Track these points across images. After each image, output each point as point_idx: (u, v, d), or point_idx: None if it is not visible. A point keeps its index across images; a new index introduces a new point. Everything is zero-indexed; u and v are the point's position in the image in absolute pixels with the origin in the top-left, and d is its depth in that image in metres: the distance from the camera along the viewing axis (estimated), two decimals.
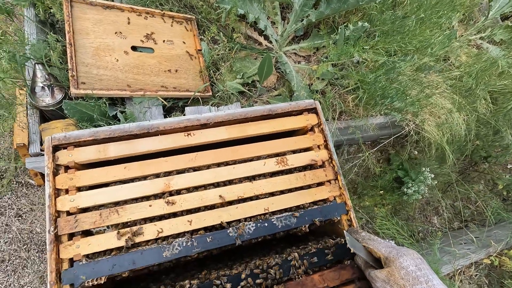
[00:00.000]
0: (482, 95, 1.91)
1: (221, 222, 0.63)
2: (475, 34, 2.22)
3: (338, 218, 0.69)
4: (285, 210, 0.67)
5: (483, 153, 2.30)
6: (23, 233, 1.54)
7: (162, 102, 1.36)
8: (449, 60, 1.99)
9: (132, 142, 0.62)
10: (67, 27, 1.23)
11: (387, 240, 0.62)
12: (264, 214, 0.65)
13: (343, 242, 0.66)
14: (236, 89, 1.53)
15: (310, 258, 0.62)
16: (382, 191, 2.02)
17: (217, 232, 0.61)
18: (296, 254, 0.61)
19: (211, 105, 1.43)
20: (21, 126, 1.15)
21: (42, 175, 1.55)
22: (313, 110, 0.75)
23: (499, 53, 2.07)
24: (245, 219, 0.64)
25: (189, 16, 1.57)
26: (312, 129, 0.75)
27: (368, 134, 1.83)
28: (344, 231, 0.60)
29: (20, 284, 1.47)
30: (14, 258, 1.50)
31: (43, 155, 1.19)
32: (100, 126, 1.20)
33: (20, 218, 1.56)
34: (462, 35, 2.17)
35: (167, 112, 1.43)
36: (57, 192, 0.57)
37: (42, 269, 1.51)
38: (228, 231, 0.61)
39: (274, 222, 0.65)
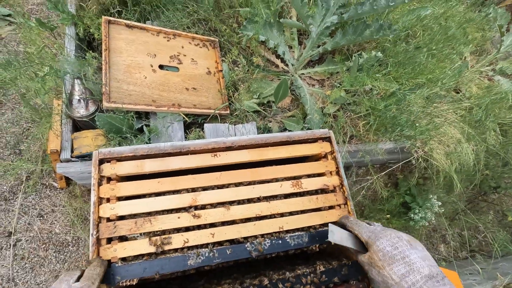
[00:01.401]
0: (491, 127, 1.95)
1: (240, 237, 0.70)
2: (486, 66, 2.28)
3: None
4: (297, 229, 0.73)
5: (493, 184, 2.31)
6: (43, 232, 1.63)
7: (184, 118, 1.45)
8: (460, 91, 2.05)
9: (166, 160, 0.70)
10: (104, 46, 1.35)
11: (373, 224, 0.67)
12: (279, 232, 0.72)
13: (350, 264, 0.72)
14: (252, 108, 1.62)
15: (320, 277, 0.68)
16: (389, 215, 2.05)
17: (236, 245, 0.68)
18: (307, 270, 0.67)
19: (229, 123, 1.52)
20: (56, 133, 1.26)
21: (67, 179, 1.66)
22: (327, 139, 0.82)
23: (511, 86, 2.12)
24: (261, 236, 0.70)
25: (213, 38, 1.69)
26: (325, 156, 0.82)
27: (377, 158, 1.88)
28: (329, 223, 0.66)
29: (36, 282, 1.54)
30: (32, 256, 1.58)
31: (73, 161, 1.29)
32: (126, 137, 1.30)
33: (41, 218, 1.65)
34: (473, 67, 2.23)
35: (187, 127, 1.52)
36: (100, 200, 0.65)
37: (58, 268, 1.59)
38: (246, 246, 0.68)
39: (287, 240, 0.71)
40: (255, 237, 0.70)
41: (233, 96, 1.62)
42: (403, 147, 1.74)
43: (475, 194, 2.47)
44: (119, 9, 1.55)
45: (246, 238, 0.70)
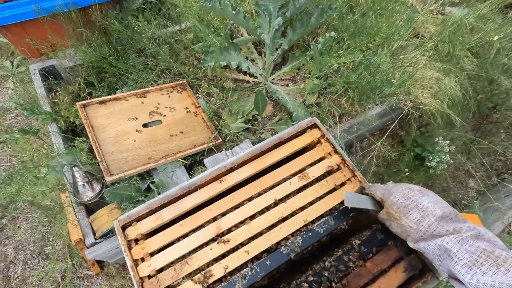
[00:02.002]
0: (462, 54, 2.01)
1: (272, 244, 0.73)
2: (434, 3, 2.37)
3: (369, 210, 0.77)
4: (321, 216, 0.76)
5: (489, 104, 2.34)
6: None
7: (183, 162, 1.50)
8: (419, 35, 2.12)
9: (180, 203, 0.74)
10: (87, 128, 1.42)
11: (387, 183, 0.71)
12: (305, 226, 0.75)
13: (380, 227, 0.74)
14: (241, 128, 1.67)
15: (359, 250, 0.70)
16: (407, 172, 2.06)
17: (273, 254, 0.70)
18: (345, 249, 0.69)
19: (225, 149, 1.57)
20: (74, 224, 1.30)
21: (99, 263, 1.68)
22: (314, 126, 0.87)
23: (463, 12, 2.20)
24: (291, 235, 0.73)
25: (181, 81, 1.77)
26: (319, 142, 0.86)
27: (373, 125, 1.92)
28: (344, 191, 0.69)
29: None
30: None
31: (98, 243, 1.32)
32: (138, 201, 1.34)
33: None
34: (423, 9, 2.32)
35: (189, 169, 1.57)
36: (135, 262, 0.68)
37: None
38: (281, 250, 0.71)
39: (316, 230, 0.74)
40: (286, 239, 0.73)
41: (219, 124, 1.68)
42: (391, 106, 1.79)
43: (478, 120, 2.49)
44: (88, 91, 1.64)
45: (278, 243, 0.73)
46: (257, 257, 0.71)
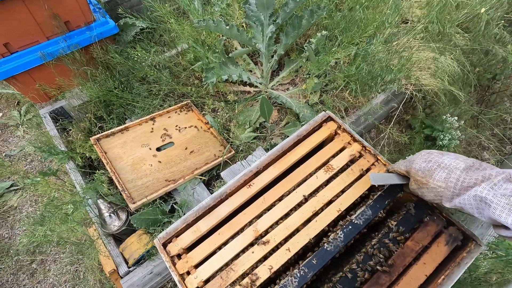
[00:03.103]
0: (453, 31, 2.04)
1: (310, 239, 0.73)
2: None
3: (401, 192, 0.77)
4: (353, 204, 0.77)
5: (488, 75, 2.36)
6: None
7: (201, 178, 1.52)
8: (408, 20, 2.17)
9: (214, 212, 0.76)
10: (104, 160, 1.45)
11: (407, 157, 0.72)
12: (341, 217, 0.76)
13: (414, 204, 0.75)
14: (250, 137, 1.70)
15: (397, 229, 0.71)
16: None
17: (317, 252, 0.71)
18: (383, 232, 0.70)
19: (240, 160, 1.59)
20: (105, 255, 1.31)
21: None
22: (328, 119, 0.89)
23: None
24: (329, 227, 0.74)
25: (185, 102, 1.82)
26: (336, 133, 0.88)
27: (379, 114, 1.94)
28: (369, 173, 0.71)
29: None
30: None
31: (132, 271, 1.33)
32: (165, 223, 1.36)
33: None
34: None
35: (208, 184, 1.58)
36: (182, 277, 0.69)
37: None
38: (325, 247, 0.71)
39: (355, 222, 0.74)
40: (324, 231, 0.74)
41: (230, 136, 1.71)
42: (393, 92, 1.81)
43: (480, 93, 2.50)
44: (99, 125, 1.68)
45: (318, 238, 0.73)
46: (298, 254, 0.72)
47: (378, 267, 0.67)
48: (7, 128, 2.31)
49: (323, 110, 1.75)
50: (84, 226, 1.37)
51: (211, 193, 1.56)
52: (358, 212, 0.76)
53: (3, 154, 2.16)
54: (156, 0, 1.81)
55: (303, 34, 1.91)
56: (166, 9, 1.71)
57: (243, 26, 2.00)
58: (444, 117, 1.96)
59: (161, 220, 1.33)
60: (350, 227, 0.73)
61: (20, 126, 2.30)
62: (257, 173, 0.82)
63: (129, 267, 1.30)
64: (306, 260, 0.70)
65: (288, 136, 1.71)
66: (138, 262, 1.30)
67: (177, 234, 0.74)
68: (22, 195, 2.00)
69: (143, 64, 1.74)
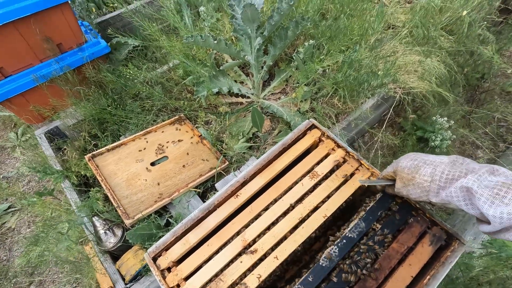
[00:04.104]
0: (438, 34, 2.09)
1: (297, 246, 0.74)
2: None
3: (393, 203, 0.78)
4: (339, 208, 0.79)
5: (477, 75, 2.40)
6: None
7: (195, 191, 1.53)
8: (393, 26, 2.22)
9: (202, 224, 0.77)
10: (99, 177, 1.47)
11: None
12: (325, 221, 0.77)
13: (398, 206, 0.76)
14: (244, 147, 1.72)
15: (382, 233, 0.72)
16: None
17: (313, 269, 0.71)
18: (369, 235, 0.71)
19: (233, 170, 1.61)
20: (102, 273, 1.31)
21: None
22: (312, 127, 0.91)
23: None
24: (327, 244, 0.74)
25: (178, 115, 1.84)
26: (320, 140, 0.90)
27: (370, 118, 1.97)
28: (359, 181, 0.73)
29: None
30: None
31: (129, 287, 1.32)
32: (160, 237, 1.36)
33: None
34: (390, 2, 2.45)
35: (203, 196, 1.59)
36: None
37: None
38: (321, 263, 0.71)
39: (349, 235, 0.74)
40: (310, 237, 0.75)
41: (223, 148, 1.73)
42: (382, 96, 1.84)
43: (470, 93, 2.54)
44: (93, 142, 1.71)
45: (304, 243, 0.75)
46: (287, 261, 0.73)
47: (364, 271, 0.68)
48: (4, 150, 2.33)
49: (314, 118, 1.78)
50: (80, 245, 1.37)
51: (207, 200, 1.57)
52: (352, 225, 0.76)
53: (1, 176, 2.18)
54: (145, 19, 1.86)
55: (291, 44, 1.96)
56: (155, 28, 1.76)
57: (232, 39, 2.05)
58: (434, 118, 1.99)
59: (156, 234, 1.34)
60: (345, 241, 0.74)
61: (17, 147, 2.32)
62: (244, 183, 0.83)
63: (126, 284, 1.30)
64: (302, 278, 0.70)
65: None
66: (135, 278, 1.30)
67: (167, 248, 0.75)
68: (19, 217, 2.01)
69: (136, 81, 1.78)
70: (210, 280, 0.71)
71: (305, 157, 0.87)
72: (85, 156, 1.52)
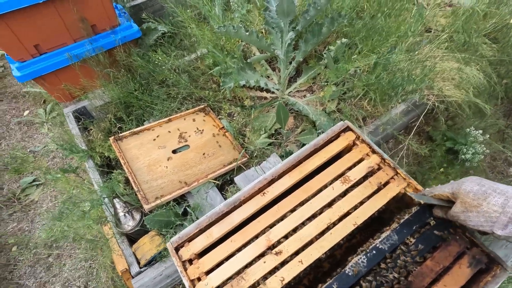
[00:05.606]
0: (480, 42, 1.97)
1: (323, 253, 0.71)
2: None
3: (431, 219, 0.73)
4: (370, 218, 0.75)
5: None
6: None
7: (214, 182, 1.53)
8: (431, 29, 2.11)
9: (227, 219, 0.76)
10: (121, 160, 1.48)
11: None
12: (355, 229, 0.73)
13: (435, 222, 0.72)
14: (265, 143, 1.69)
15: (416, 249, 0.68)
16: (443, 168, 1.98)
17: (338, 276, 0.68)
18: (402, 249, 0.67)
19: (254, 165, 1.59)
20: (118, 254, 1.33)
21: None
22: (347, 129, 0.87)
23: (472, 1, 2.18)
24: (355, 255, 0.71)
25: (202, 105, 1.84)
26: (354, 144, 0.86)
27: (398, 124, 1.89)
28: (411, 194, 0.67)
29: None
30: None
31: (143, 271, 1.34)
32: (177, 225, 1.37)
33: None
34: (429, 4, 2.32)
35: (221, 189, 1.59)
36: (192, 283, 0.69)
37: None
38: (347, 272, 0.68)
39: (379, 247, 0.71)
40: (338, 244, 0.72)
41: (245, 141, 1.71)
42: (414, 102, 1.76)
43: (508, 106, 2.39)
44: (118, 125, 1.73)
45: (330, 250, 0.71)
46: (311, 266, 0.70)
47: (395, 285, 0.64)
48: (33, 125, 2.41)
49: (340, 119, 1.72)
50: (99, 224, 1.40)
51: (224, 198, 1.56)
52: (383, 236, 0.72)
53: (28, 150, 2.26)
54: (178, 6, 1.85)
55: (322, 41, 1.89)
56: (188, 15, 1.74)
57: (262, 32, 2.01)
58: (468, 130, 1.88)
59: (174, 222, 1.34)
60: (374, 252, 0.70)
61: (45, 123, 2.40)
62: (271, 181, 0.81)
63: (140, 268, 1.31)
64: (326, 285, 0.67)
65: (304, 144, 1.70)
66: (150, 263, 1.31)
67: (190, 239, 0.74)
68: (43, 190, 2.08)
69: (163, 67, 1.78)
70: (232, 277, 0.70)
71: (337, 160, 0.83)
72: (109, 138, 1.54)
